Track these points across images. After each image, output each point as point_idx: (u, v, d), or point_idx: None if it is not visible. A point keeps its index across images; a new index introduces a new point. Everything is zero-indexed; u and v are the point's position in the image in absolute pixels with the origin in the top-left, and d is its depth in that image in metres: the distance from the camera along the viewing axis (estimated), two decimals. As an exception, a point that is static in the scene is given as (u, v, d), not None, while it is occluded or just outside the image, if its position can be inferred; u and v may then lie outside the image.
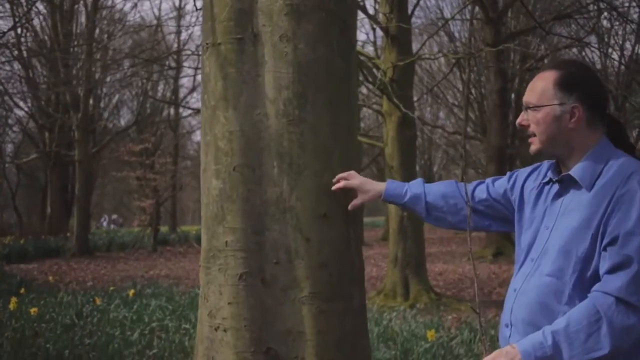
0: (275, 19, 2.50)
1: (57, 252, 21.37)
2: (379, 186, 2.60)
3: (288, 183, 2.47)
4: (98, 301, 8.36)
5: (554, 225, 2.09)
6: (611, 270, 1.89)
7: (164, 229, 32.26)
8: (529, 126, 2.14)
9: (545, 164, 2.35)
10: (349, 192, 2.57)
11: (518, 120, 2.17)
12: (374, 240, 29.48)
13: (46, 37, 24.76)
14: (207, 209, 2.62)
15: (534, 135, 2.13)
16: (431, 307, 10.13)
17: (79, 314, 7.84)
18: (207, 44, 2.64)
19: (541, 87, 2.12)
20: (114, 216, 45.72)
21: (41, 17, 24.60)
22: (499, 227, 2.51)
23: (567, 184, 2.11)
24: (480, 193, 2.50)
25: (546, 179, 2.23)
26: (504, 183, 2.46)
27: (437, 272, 15.28)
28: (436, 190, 2.56)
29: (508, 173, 2.50)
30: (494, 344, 6.38)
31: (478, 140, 27.52)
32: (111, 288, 10.49)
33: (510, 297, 2.18)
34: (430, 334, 5.37)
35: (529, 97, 2.14)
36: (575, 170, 2.07)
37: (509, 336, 2.12)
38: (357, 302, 2.61)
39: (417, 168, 39.97)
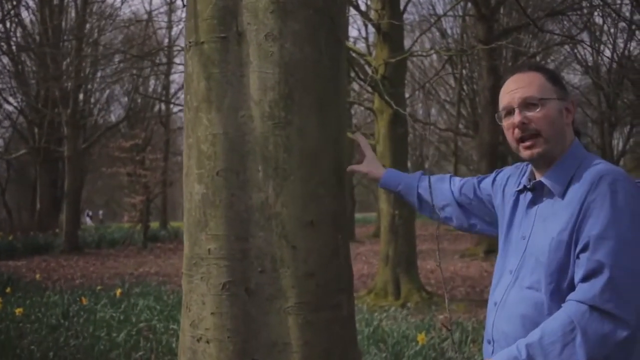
0: (260, 17, 2.39)
1: (46, 248, 21.24)
2: (379, 170, 2.68)
3: (273, 188, 2.36)
4: (84, 301, 8.24)
5: (530, 235, 2.03)
6: (584, 278, 1.82)
7: (154, 225, 32.10)
8: (522, 126, 2.02)
9: (524, 166, 2.27)
10: (338, 198, 2.48)
11: (518, 120, 2.01)
12: (365, 237, 29.40)
13: (35, 32, 24.55)
14: (189, 214, 2.51)
15: (537, 134, 2.00)
16: (422, 307, 10.06)
17: (65, 314, 7.73)
18: (190, 42, 2.53)
19: (537, 81, 2.03)
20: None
21: (30, 11, 24.41)
22: (484, 228, 2.47)
23: (540, 192, 2.05)
24: (468, 190, 2.47)
25: (520, 187, 2.16)
26: (488, 185, 2.41)
27: (428, 270, 15.20)
28: (431, 184, 2.55)
29: (494, 172, 2.44)
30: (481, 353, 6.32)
31: (470, 137, 27.50)
32: (98, 287, 10.36)
33: (491, 311, 2.10)
34: (421, 337, 5.28)
35: (526, 92, 2.02)
36: (547, 177, 2.01)
37: (492, 353, 2.05)
38: (345, 311, 2.51)
39: (409, 165, 40.02)
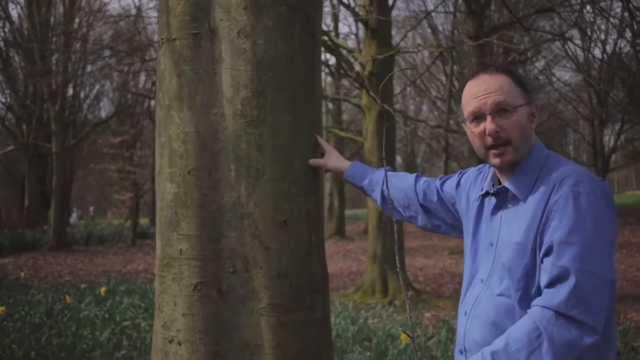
0: (233, 13, 2.35)
1: (33, 245, 21.14)
2: (342, 164, 2.62)
3: (246, 188, 2.32)
4: (69, 299, 8.18)
5: (497, 242, 1.98)
6: (549, 284, 1.77)
7: (143, 221, 31.99)
8: (492, 133, 1.93)
9: (487, 168, 2.22)
10: (311, 197, 2.44)
11: (492, 128, 1.92)
12: (355, 233, 29.39)
13: (23, 27, 24.38)
14: (161, 214, 2.47)
15: (508, 142, 1.93)
16: (410, 304, 10.03)
17: (49, 312, 7.67)
18: (162, 39, 2.48)
19: (506, 86, 1.95)
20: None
21: (18, 6, 24.25)
22: (448, 231, 2.44)
23: (504, 196, 2.00)
24: (431, 193, 2.43)
25: (483, 191, 2.11)
26: (452, 188, 2.36)
27: (417, 267, 15.20)
28: (394, 182, 2.53)
29: (457, 174, 2.38)
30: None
31: (461, 133, 27.48)
32: (83, 285, 10.29)
33: (462, 321, 2.06)
34: (404, 337, 5.25)
35: (497, 98, 1.93)
36: (511, 182, 1.97)
37: None
38: (319, 313, 2.46)
39: (401, 161, 40.01)
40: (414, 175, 2.56)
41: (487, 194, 2.09)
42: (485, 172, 2.22)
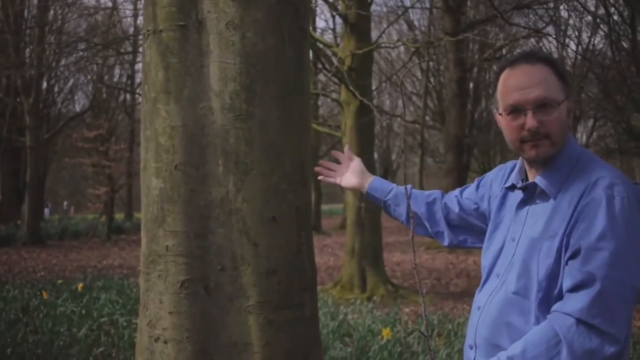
0: (221, 4, 2.29)
1: (7, 240, 20.83)
2: (362, 180, 2.53)
3: (234, 183, 2.27)
4: (45, 295, 8.06)
5: (520, 237, 1.90)
6: (572, 289, 1.71)
7: (119, 216, 31.73)
8: (532, 128, 1.83)
9: (509, 164, 2.17)
10: (301, 193, 2.40)
11: (533, 125, 1.82)
12: (332, 228, 29.40)
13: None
14: (147, 210, 2.42)
15: (546, 137, 1.84)
16: (388, 299, 10.04)
17: (25, 308, 7.55)
18: (147, 30, 2.43)
19: (549, 80, 1.85)
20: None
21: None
22: (475, 242, 2.32)
23: (532, 192, 1.92)
24: (453, 205, 2.34)
25: (509, 184, 2.03)
26: (472, 194, 2.29)
27: (394, 262, 15.24)
28: (419, 197, 2.41)
29: (476, 180, 2.33)
30: (449, 341, 6.30)
31: (437, 129, 27.61)
32: (59, 281, 10.16)
33: (474, 316, 1.98)
34: (386, 332, 5.23)
35: (544, 92, 1.82)
36: (542, 178, 1.88)
37: (474, 359, 1.94)
38: (308, 310, 2.43)
39: (376, 156, 40.10)
40: (439, 191, 2.46)
41: (513, 187, 2.01)
42: (507, 169, 2.14)
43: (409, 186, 2.42)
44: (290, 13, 2.40)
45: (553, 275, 1.78)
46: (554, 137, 1.84)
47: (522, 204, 1.96)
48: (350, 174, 2.61)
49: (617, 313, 1.67)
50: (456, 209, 2.33)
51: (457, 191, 2.39)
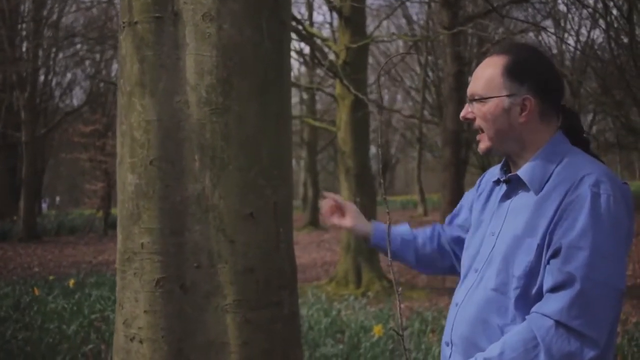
0: (197, -5, 2.23)
1: (3, 236, 20.82)
2: (367, 226, 2.35)
3: (210, 179, 2.21)
4: (37, 291, 8.02)
5: (500, 232, 1.85)
6: (552, 289, 1.65)
7: (115, 211, 31.66)
8: (474, 119, 1.89)
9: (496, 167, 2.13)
10: (279, 189, 2.34)
11: (462, 114, 1.91)
12: (330, 224, 29.32)
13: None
14: (122, 206, 2.36)
15: (481, 130, 1.88)
16: (382, 295, 10.00)
17: (16, 305, 7.50)
18: (123, 23, 2.36)
19: (488, 75, 1.85)
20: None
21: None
22: None
23: (515, 185, 1.87)
24: (451, 230, 2.27)
25: (495, 178, 1.99)
26: (465, 211, 2.22)
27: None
28: (422, 236, 2.31)
29: (464, 196, 2.27)
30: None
31: (435, 123, 27.52)
32: (51, 277, 10.10)
33: (452, 312, 1.93)
34: (377, 329, 5.18)
35: (474, 87, 1.88)
36: (524, 171, 1.83)
37: (450, 356, 1.89)
38: (287, 309, 2.37)
39: (374, 150, 40.03)
40: (437, 224, 2.36)
41: (498, 181, 1.96)
42: (497, 167, 2.07)
43: (405, 225, 2.34)
44: (269, 5, 2.34)
45: (532, 273, 1.72)
46: (486, 131, 1.87)
47: (505, 197, 1.91)
48: (356, 219, 2.39)
49: (598, 315, 1.62)
50: (455, 233, 2.25)
51: (449, 217, 2.32)
